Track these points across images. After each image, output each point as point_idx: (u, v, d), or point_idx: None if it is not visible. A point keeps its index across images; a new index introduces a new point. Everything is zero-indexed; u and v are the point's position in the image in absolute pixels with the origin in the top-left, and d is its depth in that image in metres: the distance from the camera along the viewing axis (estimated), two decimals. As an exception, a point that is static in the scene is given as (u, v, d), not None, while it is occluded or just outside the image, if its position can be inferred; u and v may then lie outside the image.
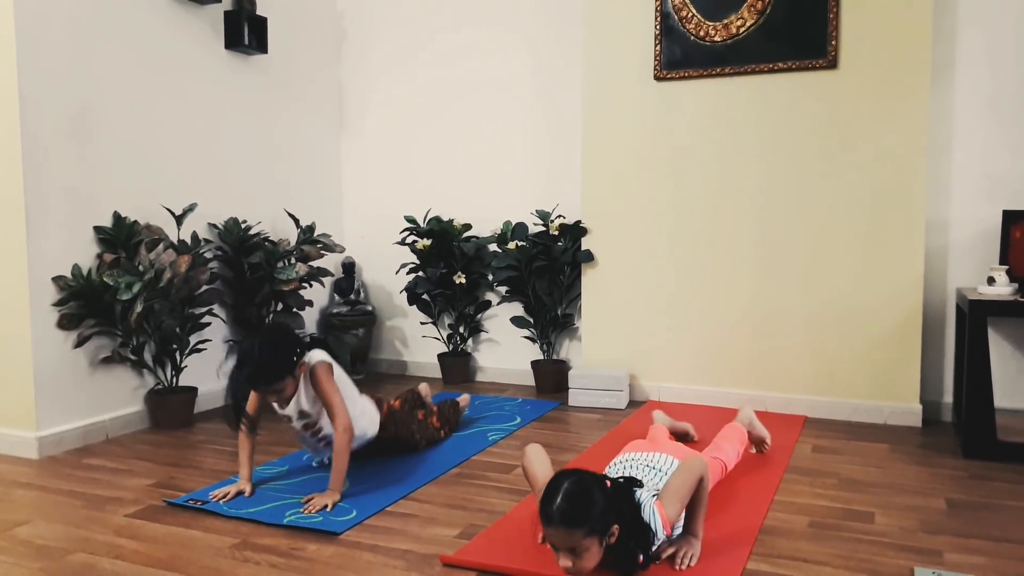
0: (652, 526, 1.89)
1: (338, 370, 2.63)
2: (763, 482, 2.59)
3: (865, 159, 3.35)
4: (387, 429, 2.85)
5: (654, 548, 1.92)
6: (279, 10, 4.15)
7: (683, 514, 1.99)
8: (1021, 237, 3.19)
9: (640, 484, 2.01)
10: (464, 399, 3.42)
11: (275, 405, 2.57)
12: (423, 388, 3.35)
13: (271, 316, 3.82)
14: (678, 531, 2.04)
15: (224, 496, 2.48)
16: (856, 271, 3.39)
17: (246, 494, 2.51)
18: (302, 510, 2.37)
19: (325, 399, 2.51)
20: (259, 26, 3.94)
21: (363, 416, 2.73)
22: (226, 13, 3.82)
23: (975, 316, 2.90)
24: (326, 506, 2.38)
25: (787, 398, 3.52)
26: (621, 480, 1.95)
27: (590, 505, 1.75)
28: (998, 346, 3.34)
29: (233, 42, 3.83)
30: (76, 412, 3.14)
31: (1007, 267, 3.08)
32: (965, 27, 3.36)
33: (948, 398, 3.47)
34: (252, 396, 2.54)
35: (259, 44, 3.94)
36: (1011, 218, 3.22)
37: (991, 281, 3.04)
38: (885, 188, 3.33)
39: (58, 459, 2.97)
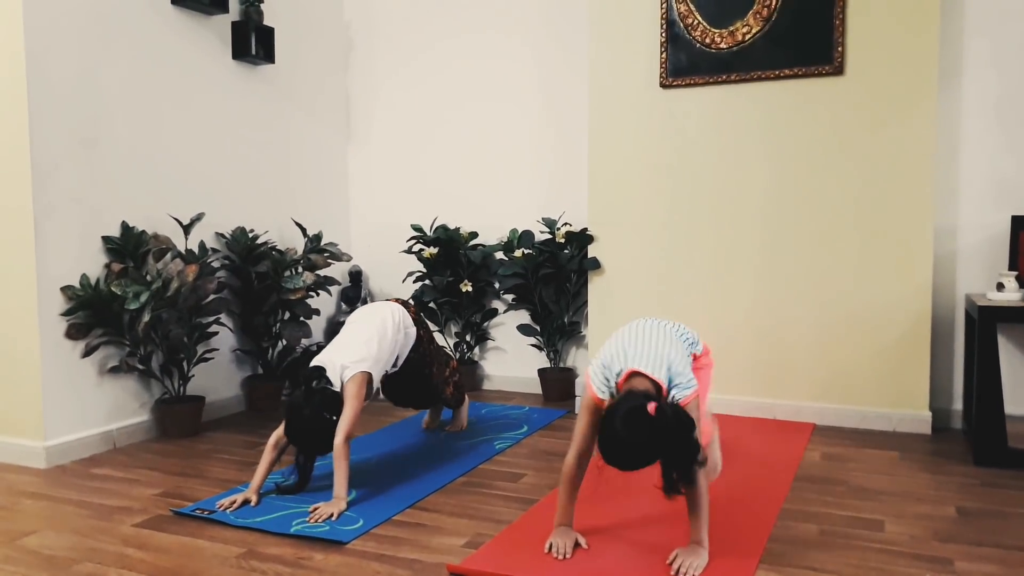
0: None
1: (394, 320, 2.87)
2: (772, 490, 2.57)
3: (872, 165, 3.34)
4: (417, 350, 3.01)
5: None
6: (286, 20, 4.16)
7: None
8: (1030, 243, 3.18)
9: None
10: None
11: None
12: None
13: (278, 325, 3.83)
14: None
15: (231, 505, 2.48)
16: (864, 278, 3.38)
17: (252, 504, 2.51)
18: (308, 519, 2.36)
19: (344, 402, 2.58)
20: (266, 36, 3.96)
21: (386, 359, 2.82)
22: (233, 24, 3.84)
23: (984, 322, 2.88)
24: (332, 515, 2.38)
25: (796, 406, 3.50)
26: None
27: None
28: (1008, 352, 3.32)
29: (240, 52, 3.85)
30: (84, 422, 3.15)
31: (1016, 273, 3.07)
32: (972, 33, 3.35)
33: (958, 405, 3.45)
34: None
35: (266, 54, 3.96)
36: (1020, 224, 3.21)
37: (1000, 287, 3.03)
38: (893, 194, 3.31)
39: (66, 469, 2.98)
